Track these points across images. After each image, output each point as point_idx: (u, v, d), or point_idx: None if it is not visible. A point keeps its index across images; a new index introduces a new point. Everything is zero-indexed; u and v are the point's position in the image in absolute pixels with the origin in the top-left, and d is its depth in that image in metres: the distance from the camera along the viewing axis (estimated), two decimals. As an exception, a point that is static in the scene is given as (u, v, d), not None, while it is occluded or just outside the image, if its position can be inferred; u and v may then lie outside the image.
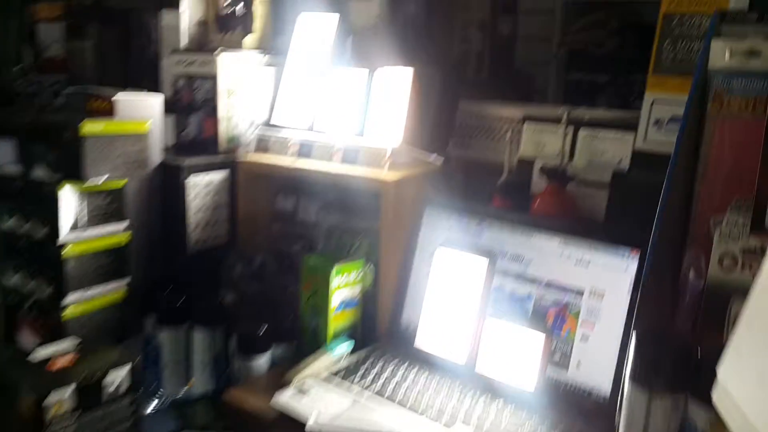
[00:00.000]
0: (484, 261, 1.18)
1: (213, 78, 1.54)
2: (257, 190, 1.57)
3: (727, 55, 0.86)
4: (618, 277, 1.08)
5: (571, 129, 1.29)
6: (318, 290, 1.28)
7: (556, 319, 1.14)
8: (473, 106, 1.50)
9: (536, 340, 1.08)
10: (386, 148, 1.33)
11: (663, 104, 1.17)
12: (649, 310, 0.89)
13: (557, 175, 1.24)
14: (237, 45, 1.60)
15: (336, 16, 1.56)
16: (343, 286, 1.28)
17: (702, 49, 0.90)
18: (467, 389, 1.12)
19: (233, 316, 1.31)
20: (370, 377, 1.15)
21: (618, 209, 1.24)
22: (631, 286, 1.06)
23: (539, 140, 1.34)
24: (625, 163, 1.23)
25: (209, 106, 1.55)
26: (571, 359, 1.10)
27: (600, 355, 1.08)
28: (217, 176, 1.51)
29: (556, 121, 1.31)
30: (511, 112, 1.42)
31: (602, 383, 1.07)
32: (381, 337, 1.32)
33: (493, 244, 1.22)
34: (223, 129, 1.55)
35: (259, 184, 1.57)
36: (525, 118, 1.37)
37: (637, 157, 1.21)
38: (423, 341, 1.23)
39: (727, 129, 0.88)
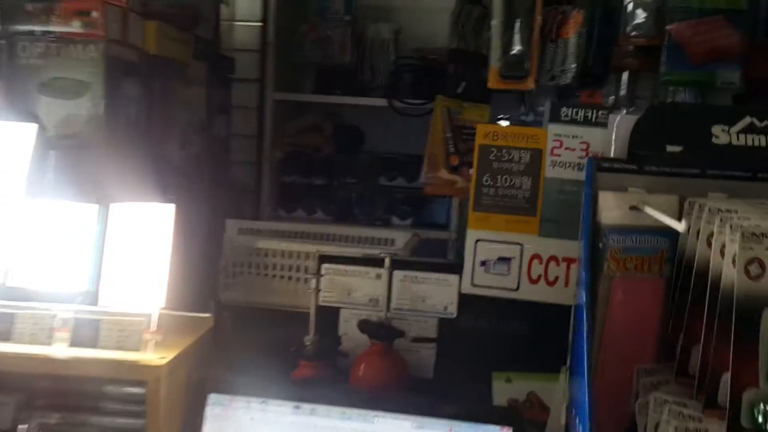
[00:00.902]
0: (318, 470, 0.86)
1: None
2: None
3: (617, 210, 0.76)
4: (491, 461, 0.88)
5: (385, 271, 1.08)
6: None
7: None
8: (245, 238, 1.18)
9: None
10: (145, 317, 0.92)
11: (488, 243, 1.04)
12: None
13: (382, 332, 1.01)
14: None
15: (33, 127, 1.08)
16: None
17: (585, 200, 0.79)
18: None
19: None
20: None
21: (449, 362, 1.06)
22: (510, 470, 0.88)
23: (344, 284, 1.09)
24: (452, 309, 1.07)
25: None
26: None
27: None
28: None
29: (364, 262, 1.09)
30: (301, 246, 1.16)
31: None
32: None
33: (322, 438, 0.91)
34: None
35: None
36: (322, 258, 1.11)
37: (466, 301, 1.06)
38: None
39: (625, 288, 0.77)
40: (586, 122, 1.03)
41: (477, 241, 1.05)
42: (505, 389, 1.01)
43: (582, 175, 1.00)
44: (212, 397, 0.95)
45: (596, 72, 2.06)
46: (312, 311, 1.04)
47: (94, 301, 0.99)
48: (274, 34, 2.29)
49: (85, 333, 0.92)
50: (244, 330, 1.12)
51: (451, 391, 1.03)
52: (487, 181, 1.05)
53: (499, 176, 1.05)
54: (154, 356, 0.91)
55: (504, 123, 2.28)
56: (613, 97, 2.01)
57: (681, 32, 1.97)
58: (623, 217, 0.77)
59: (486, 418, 0.89)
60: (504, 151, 1.04)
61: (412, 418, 0.91)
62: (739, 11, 1.23)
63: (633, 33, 2.04)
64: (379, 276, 1.08)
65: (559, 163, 1.03)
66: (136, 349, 0.91)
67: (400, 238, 1.56)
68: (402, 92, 2.23)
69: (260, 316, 1.16)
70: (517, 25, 1.99)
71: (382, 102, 2.23)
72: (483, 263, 1.04)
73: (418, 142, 2.33)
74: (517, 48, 2.03)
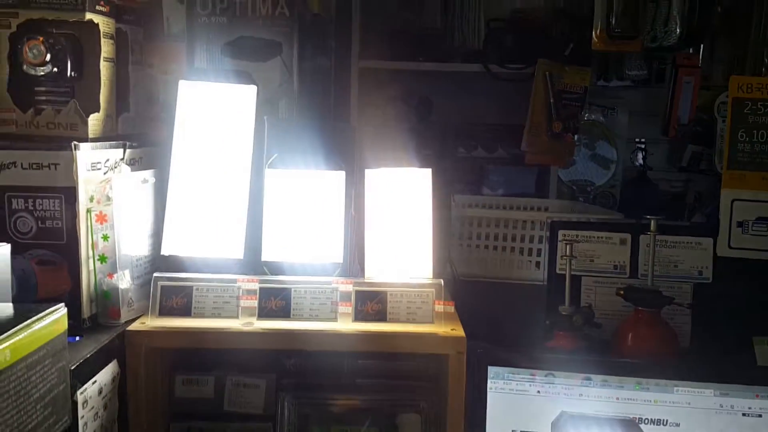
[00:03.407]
0: (636, 441, 0.83)
1: (54, 192, 0.82)
2: (151, 378, 0.89)
3: None
4: (803, 424, 0.86)
5: (628, 237, 1.04)
6: None
7: (733, 495, 0.86)
8: (472, 209, 1.13)
9: None
10: (435, 287, 0.87)
11: (745, 203, 1.01)
12: None
13: (650, 299, 0.97)
14: (76, 131, 0.90)
15: (252, 90, 1.00)
16: None
17: None
18: None
19: None
20: None
21: (706, 329, 1.02)
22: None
23: (584, 251, 1.05)
24: (707, 274, 1.03)
25: (45, 243, 0.83)
26: None
27: None
28: (105, 376, 0.80)
29: (604, 227, 1.05)
30: (526, 215, 1.11)
31: None
32: None
33: (623, 410, 0.87)
34: (87, 281, 0.84)
35: (154, 369, 0.90)
36: (555, 225, 1.06)
37: (722, 265, 1.02)
38: None
39: None
40: None
41: (733, 201, 1.01)
42: (767, 353, 0.99)
43: None
44: (492, 371, 0.90)
45: (698, 33, 2.03)
46: (567, 281, 0.99)
47: (348, 273, 0.94)
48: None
49: (369, 306, 0.86)
50: (475, 302, 1.07)
51: (713, 358, 1.00)
52: (742, 137, 1.01)
53: (755, 131, 1.00)
54: (447, 328, 0.86)
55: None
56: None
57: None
58: None
59: (794, 381, 0.87)
60: (760, 104, 1.00)
61: (714, 386, 0.87)
62: None
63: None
64: (623, 241, 1.04)
65: (819, 116, 0.99)
66: (429, 322, 0.85)
67: (554, 205, 1.52)
68: (497, 57, 2.16)
69: (481, 288, 1.11)
70: (621, -17, 1.94)
71: (475, 68, 2.15)
72: (740, 224, 1.01)
73: (489, 111, 2.28)
74: (623, 7, 1.98)
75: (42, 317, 0.54)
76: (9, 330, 0.49)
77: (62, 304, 0.58)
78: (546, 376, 0.89)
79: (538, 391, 0.89)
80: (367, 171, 0.94)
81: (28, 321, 0.52)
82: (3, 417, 0.46)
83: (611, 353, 0.98)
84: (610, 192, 2.35)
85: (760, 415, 0.86)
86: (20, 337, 0.49)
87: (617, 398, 0.88)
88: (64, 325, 0.58)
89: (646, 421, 0.87)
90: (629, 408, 0.88)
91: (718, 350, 1.00)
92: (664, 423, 0.87)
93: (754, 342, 0.99)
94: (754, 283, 1.01)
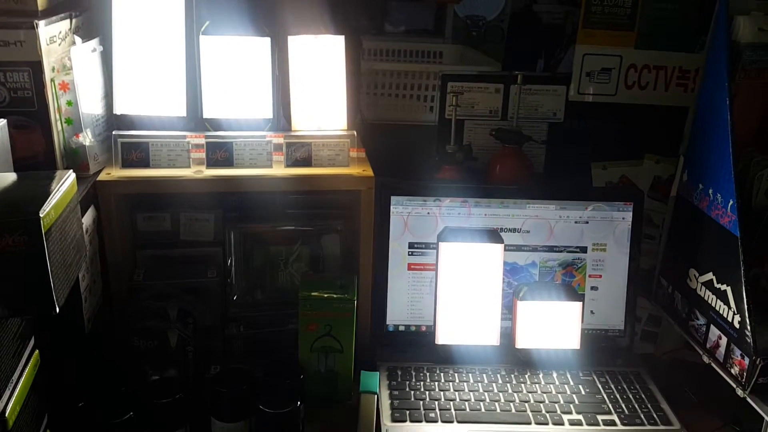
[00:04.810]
0: (496, 247, 1.13)
1: (21, 66, 0.94)
2: (119, 217, 1.09)
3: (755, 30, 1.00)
4: (617, 227, 1.19)
5: (501, 87, 1.28)
6: (334, 325, 1.04)
7: (564, 278, 1.20)
8: (378, 62, 1.33)
9: (570, 307, 1.14)
10: (350, 137, 1.09)
11: (593, 56, 1.26)
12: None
13: (514, 137, 1.24)
14: (25, 4, 0.99)
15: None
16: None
17: (719, 22, 1.02)
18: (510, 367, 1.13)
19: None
20: (435, 401, 1.04)
21: (556, 160, 1.32)
22: (630, 233, 1.19)
23: (466, 99, 1.28)
24: (560, 115, 1.30)
25: (18, 111, 0.96)
26: (585, 309, 1.20)
27: (610, 297, 1.21)
28: (88, 219, 0.99)
29: (483, 79, 1.28)
30: (422, 67, 1.32)
31: (616, 320, 1.21)
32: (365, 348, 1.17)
33: (490, 223, 1.17)
34: (58, 141, 1.00)
35: (120, 210, 1.09)
36: (445, 78, 1.28)
37: (572, 108, 1.29)
38: (446, 336, 1.15)
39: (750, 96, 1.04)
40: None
41: (584, 54, 1.26)
42: (601, 175, 1.30)
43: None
44: (393, 199, 1.17)
45: None
46: (453, 125, 1.24)
47: (276, 126, 1.13)
48: None
49: (298, 154, 1.07)
50: (377, 143, 1.29)
51: (557, 182, 1.31)
52: (596, 0, 1.22)
53: (606, -5, 1.22)
54: (359, 169, 1.09)
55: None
56: None
57: None
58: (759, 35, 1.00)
59: (614, 196, 1.19)
60: (613, -29, 1.21)
61: (556, 202, 1.18)
62: None
63: None
64: (498, 90, 1.28)
65: (655, -20, 1.22)
66: (345, 165, 1.08)
67: (448, 51, 1.71)
68: None
69: (385, 129, 1.33)
70: None
71: None
72: (588, 74, 1.26)
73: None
74: None
75: (64, 181, 0.72)
76: (47, 194, 0.67)
77: (71, 171, 0.76)
78: (434, 201, 1.17)
79: (428, 213, 1.17)
80: (289, 37, 1.10)
81: (58, 185, 0.70)
82: (56, 258, 0.66)
83: (484, 181, 1.26)
84: (500, 26, 2.52)
85: (587, 222, 1.19)
86: (57, 198, 0.68)
87: (485, 214, 1.18)
88: (75, 185, 0.76)
89: (506, 229, 1.18)
90: (494, 221, 1.18)
91: (565, 175, 1.31)
92: (518, 230, 1.19)
93: (592, 166, 1.31)
94: (596, 121, 1.29)
